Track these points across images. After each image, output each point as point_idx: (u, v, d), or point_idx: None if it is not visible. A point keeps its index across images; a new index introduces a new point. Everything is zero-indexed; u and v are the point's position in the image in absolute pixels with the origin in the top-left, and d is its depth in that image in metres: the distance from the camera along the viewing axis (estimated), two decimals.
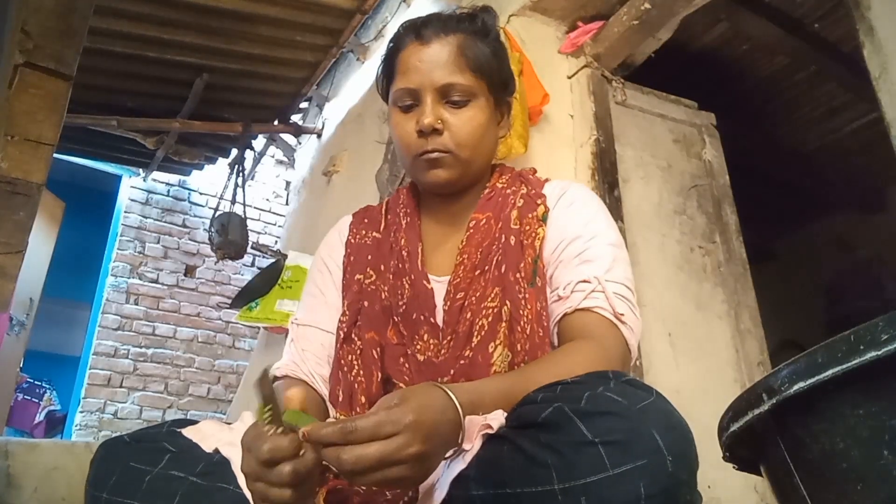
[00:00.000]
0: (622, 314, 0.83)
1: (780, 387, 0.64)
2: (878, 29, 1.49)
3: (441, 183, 0.93)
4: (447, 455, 0.65)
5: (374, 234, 1.02)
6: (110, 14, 2.74)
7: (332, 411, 0.91)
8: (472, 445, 0.65)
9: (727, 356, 2.16)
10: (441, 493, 0.65)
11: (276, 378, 0.96)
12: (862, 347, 0.58)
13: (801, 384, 0.62)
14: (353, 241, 1.03)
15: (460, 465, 0.65)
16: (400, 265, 0.95)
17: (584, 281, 0.85)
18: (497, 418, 0.66)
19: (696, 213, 2.37)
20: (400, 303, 0.92)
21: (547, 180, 1.01)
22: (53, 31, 1.02)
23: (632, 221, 2.16)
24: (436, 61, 0.91)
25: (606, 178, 2.14)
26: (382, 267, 0.97)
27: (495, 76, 0.96)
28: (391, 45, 0.98)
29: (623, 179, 2.21)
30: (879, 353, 0.57)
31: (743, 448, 0.77)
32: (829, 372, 0.60)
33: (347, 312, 0.95)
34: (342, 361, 0.91)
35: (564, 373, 0.71)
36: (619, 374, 0.64)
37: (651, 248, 2.18)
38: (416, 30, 0.95)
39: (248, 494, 0.63)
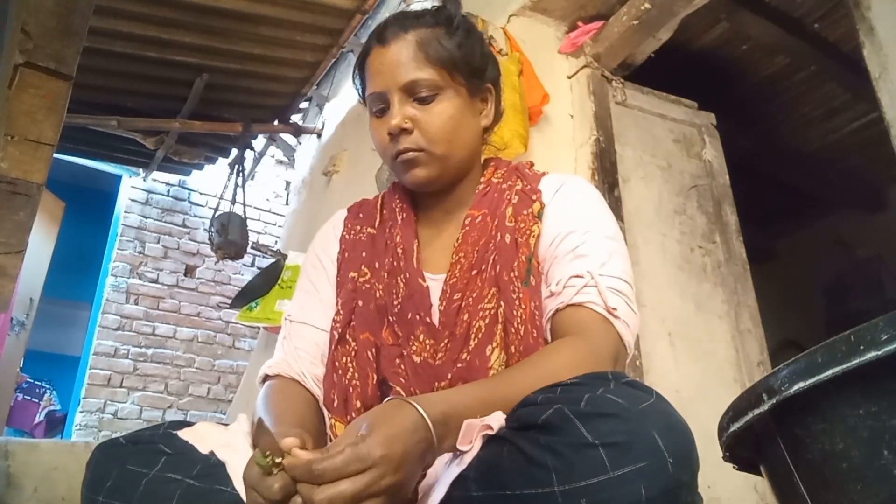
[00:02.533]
0: (615, 308, 0.80)
1: (780, 387, 0.64)
2: (878, 29, 1.50)
3: (420, 182, 0.91)
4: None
5: (370, 229, 1.00)
6: (110, 14, 2.74)
7: (326, 416, 0.90)
8: (472, 447, 0.65)
9: (727, 356, 2.16)
10: (440, 494, 0.65)
11: (267, 377, 0.94)
12: (862, 347, 0.58)
13: (801, 384, 0.62)
14: (347, 236, 1.01)
15: (460, 466, 0.65)
16: (395, 263, 0.93)
17: (577, 276, 0.83)
18: (497, 419, 0.65)
19: (696, 213, 2.37)
20: (395, 302, 0.90)
21: (545, 174, 0.99)
22: (53, 31, 1.02)
23: (632, 221, 2.16)
24: (396, 61, 0.90)
25: (606, 178, 2.14)
26: (377, 264, 0.95)
27: (461, 65, 0.92)
28: (362, 52, 0.97)
29: (623, 179, 2.21)
30: (879, 353, 0.57)
31: (743, 448, 0.77)
32: (829, 372, 0.60)
33: (342, 311, 0.93)
34: (336, 363, 0.89)
35: (546, 374, 0.69)
36: (618, 376, 0.64)
37: (651, 248, 2.18)
38: (378, 33, 0.94)
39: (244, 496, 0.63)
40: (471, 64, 0.94)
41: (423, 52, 0.90)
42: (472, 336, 0.84)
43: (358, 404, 0.86)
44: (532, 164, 1.03)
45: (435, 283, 0.90)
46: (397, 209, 0.99)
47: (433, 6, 0.97)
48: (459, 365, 0.83)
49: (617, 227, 0.93)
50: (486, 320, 0.85)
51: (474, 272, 0.88)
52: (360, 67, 0.97)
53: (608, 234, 0.89)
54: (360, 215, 1.04)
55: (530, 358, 0.79)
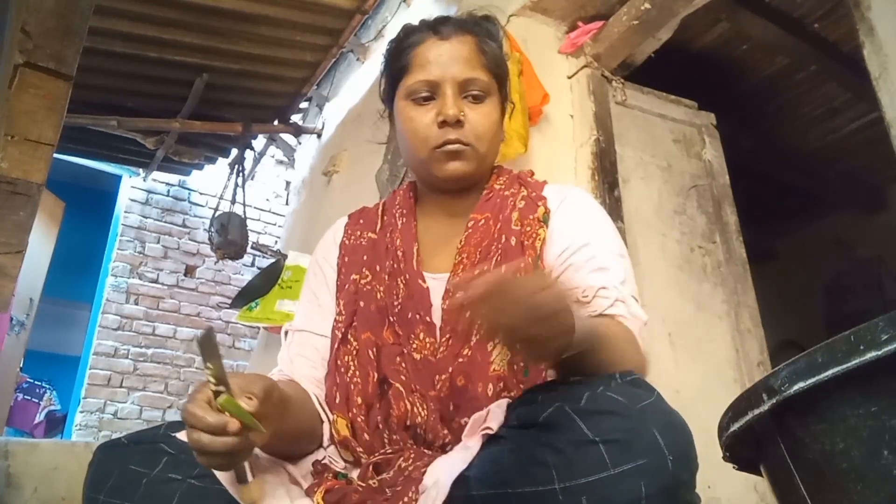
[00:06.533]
0: (641, 326, 0.87)
1: (780, 387, 0.64)
2: (878, 29, 1.49)
3: (458, 175, 0.94)
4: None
5: (370, 234, 1.02)
6: (110, 14, 2.74)
7: (324, 414, 0.91)
8: (473, 445, 0.65)
9: (727, 356, 2.16)
10: (442, 494, 0.65)
11: None
12: (862, 347, 0.58)
13: (801, 384, 0.62)
14: (347, 242, 1.03)
15: (461, 465, 0.65)
16: (395, 265, 0.95)
17: (605, 288, 0.86)
18: (497, 418, 0.66)
19: (696, 213, 2.37)
20: (395, 303, 0.92)
21: (545, 182, 1.02)
22: (53, 31, 1.02)
23: (632, 221, 2.16)
24: (457, 56, 0.94)
25: (606, 178, 2.13)
26: (378, 267, 0.97)
27: (503, 76, 0.99)
28: (404, 42, 0.99)
29: (623, 179, 2.21)
30: (879, 353, 0.57)
31: (743, 448, 0.77)
32: (829, 372, 0.60)
33: (343, 313, 0.95)
34: (338, 362, 0.91)
35: (621, 348, 0.78)
36: (623, 374, 0.64)
37: (651, 248, 2.18)
38: (433, 27, 0.98)
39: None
40: (505, 77, 1.01)
41: (482, 54, 0.96)
42: (475, 332, 0.85)
43: (359, 401, 0.87)
44: (533, 173, 1.06)
45: (436, 283, 0.92)
46: (398, 214, 1.01)
47: (478, 18, 1.02)
48: (460, 360, 0.84)
49: (622, 243, 0.97)
50: None
51: (477, 272, 0.89)
52: (404, 56, 0.98)
53: (620, 251, 0.94)
54: (361, 221, 1.06)
55: (621, 334, 0.83)
